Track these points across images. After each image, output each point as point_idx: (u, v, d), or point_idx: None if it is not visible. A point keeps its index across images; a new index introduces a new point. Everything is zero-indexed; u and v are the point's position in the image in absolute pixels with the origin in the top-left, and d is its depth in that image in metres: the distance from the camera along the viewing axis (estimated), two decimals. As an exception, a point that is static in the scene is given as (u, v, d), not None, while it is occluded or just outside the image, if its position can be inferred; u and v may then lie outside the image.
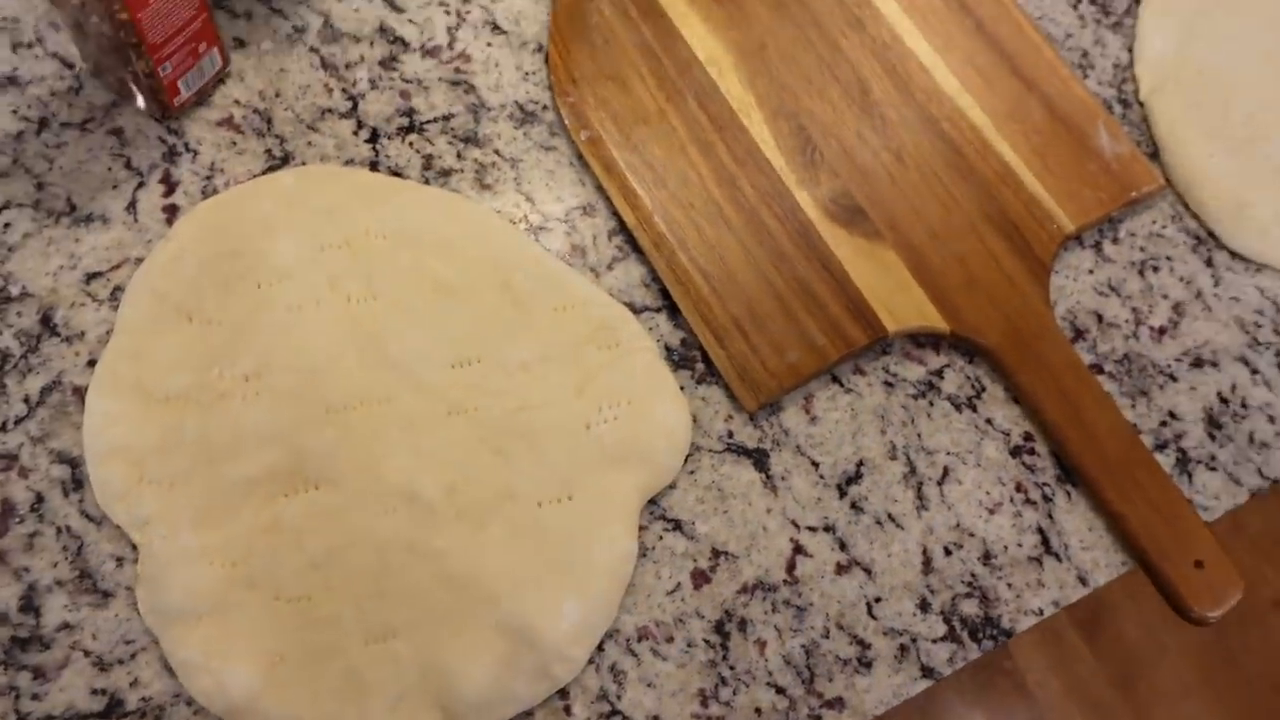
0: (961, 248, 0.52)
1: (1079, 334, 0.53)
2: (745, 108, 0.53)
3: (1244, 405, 0.53)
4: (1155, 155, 0.59)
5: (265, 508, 0.39)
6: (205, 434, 0.40)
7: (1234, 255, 0.57)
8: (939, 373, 0.51)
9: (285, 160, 0.48)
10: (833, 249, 0.51)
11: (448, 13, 0.54)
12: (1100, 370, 0.53)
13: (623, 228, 0.50)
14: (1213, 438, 0.52)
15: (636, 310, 0.49)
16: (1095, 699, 1.27)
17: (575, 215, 0.50)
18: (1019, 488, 0.49)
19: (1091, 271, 0.55)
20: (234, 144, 0.48)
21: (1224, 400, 0.53)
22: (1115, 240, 0.56)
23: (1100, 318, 0.54)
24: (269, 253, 0.44)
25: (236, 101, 0.49)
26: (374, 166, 0.49)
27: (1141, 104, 0.61)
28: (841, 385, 0.49)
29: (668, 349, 0.48)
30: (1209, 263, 0.57)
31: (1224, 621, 1.34)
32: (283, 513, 0.39)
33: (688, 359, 0.48)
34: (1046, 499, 0.49)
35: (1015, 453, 0.50)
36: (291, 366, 0.42)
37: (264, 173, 0.47)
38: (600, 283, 0.49)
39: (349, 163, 0.49)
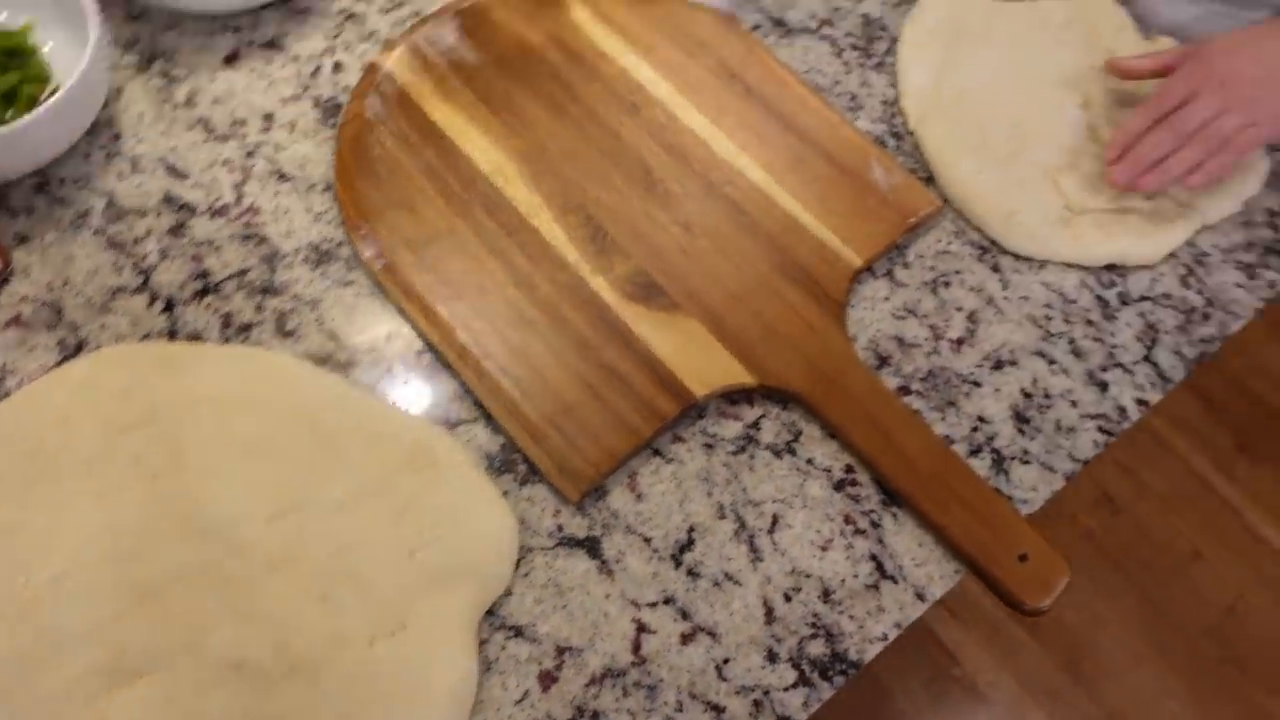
0: (758, 302, 0.55)
1: (883, 360, 0.56)
2: (533, 209, 0.56)
3: (1046, 396, 0.57)
4: (931, 179, 0.63)
5: (90, 709, 0.39)
6: (17, 650, 0.40)
7: (1016, 257, 0.61)
8: (755, 424, 0.53)
9: (79, 348, 0.49)
10: (633, 328, 0.53)
11: (232, 170, 0.56)
12: (908, 391, 0.55)
13: (430, 346, 0.52)
14: (1022, 432, 0.55)
15: (453, 425, 0.50)
16: (1048, 687, 1.29)
17: (381, 343, 0.52)
18: (847, 520, 0.51)
19: (887, 299, 0.58)
20: (23, 342, 0.48)
21: (1028, 395, 0.56)
22: (905, 265, 0.60)
23: (901, 341, 0.57)
24: (68, 446, 0.44)
25: (23, 298, 0.50)
26: (172, 335, 0.50)
27: (911, 133, 0.65)
28: (663, 457, 0.51)
29: (488, 457, 0.50)
30: (995, 269, 0.61)
31: (1150, 582, 1.39)
32: (109, 710, 0.39)
33: (509, 463, 0.50)
34: (875, 525, 0.51)
35: (839, 487, 0.52)
36: (104, 558, 0.42)
37: (57, 365, 0.48)
38: (413, 405, 0.50)
39: (145, 337, 0.50)
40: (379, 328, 0.52)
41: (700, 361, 0.53)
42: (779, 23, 0.69)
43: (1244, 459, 1.53)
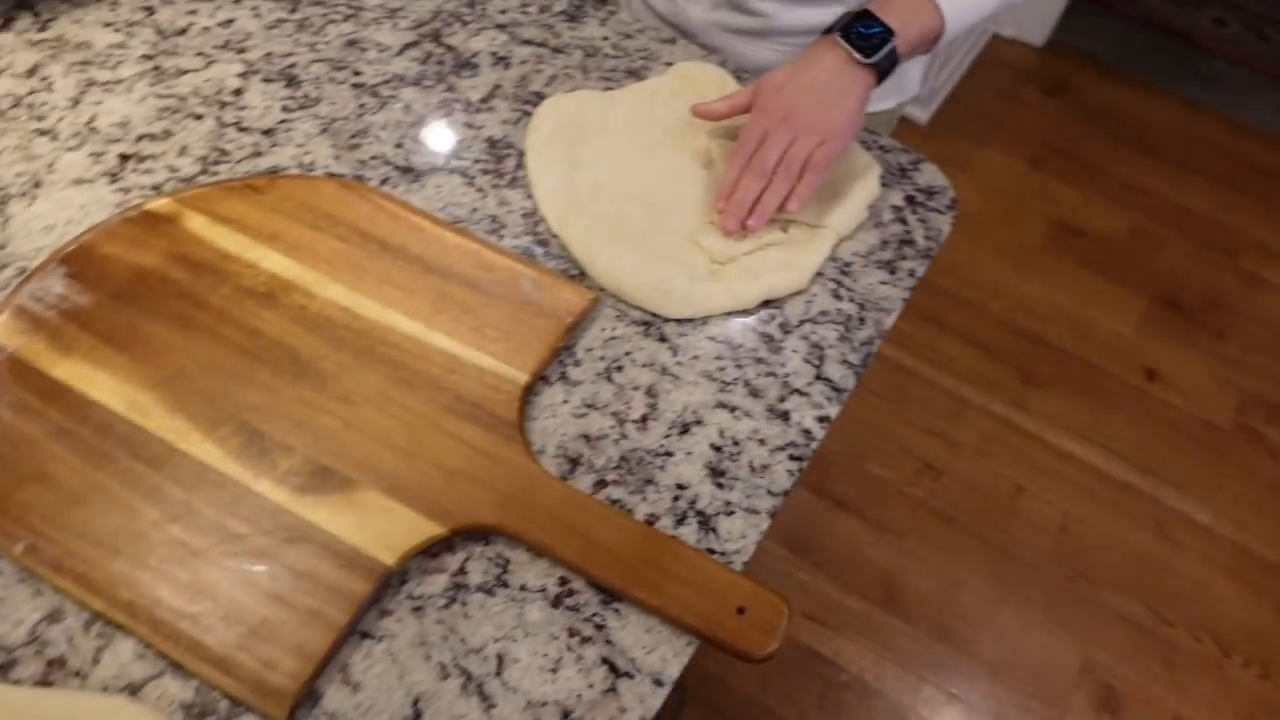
0: (433, 450, 0.55)
1: (574, 462, 0.58)
2: (180, 435, 0.54)
3: (735, 443, 0.59)
4: (584, 273, 0.66)
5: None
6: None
7: (679, 323, 0.65)
8: (461, 569, 0.53)
9: None
10: (311, 519, 0.52)
11: None
12: (604, 483, 0.57)
13: (97, 614, 0.49)
14: (720, 486, 0.57)
15: (139, 686, 0.47)
16: (930, 660, 1.33)
17: (44, 628, 0.49)
18: (571, 633, 0.51)
19: (565, 401, 0.60)
20: None
21: (718, 449, 0.59)
22: (577, 363, 0.62)
23: (588, 437, 0.59)
24: None
25: None
26: None
27: (556, 236, 0.68)
28: (372, 637, 0.50)
29: (185, 708, 0.47)
30: (662, 338, 0.64)
31: (987, 529, 1.47)
32: None
33: (209, 705, 0.47)
34: (599, 627, 0.51)
35: (556, 603, 0.52)
36: None
37: None
38: (89, 683, 0.47)
39: None
40: (36, 612, 0.49)
41: (387, 529, 0.52)
42: (406, 169, 0.71)
43: (1031, 389, 1.66)
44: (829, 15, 0.76)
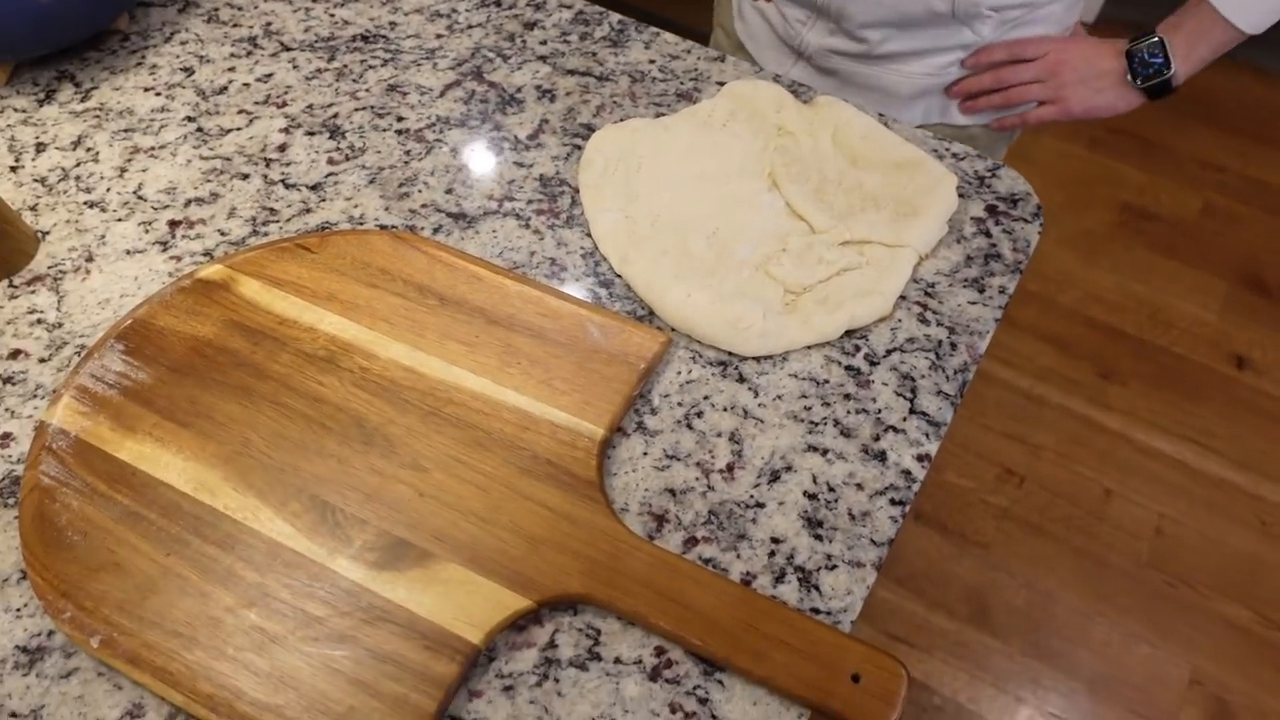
0: (512, 515, 0.52)
1: (660, 519, 0.54)
2: (250, 512, 0.52)
3: (830, 489, 0.55)
4: (652, 314, 0.63)
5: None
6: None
7: (758, 360, 0.61)
8: (551, 643, 0.50)
9: None
10: (390, 598, 0.49)
11: (-87, 599, 0.51)
12: (695, 540, 0.53)
13: (177, 709, 0.47)
14: (819, 538, 0.53)
15: (223, 790, 0.45)
16: (1026, 679, 1.27)
17: (123, 728, 0.47)
18: (673, 708, 0.48)
19: (645, 453, 0.57)
20: None
21: (812, 496, 0.55)
22: (654, 411, 0.58)
23: (673, 492, 0.55)
24: None
25: None
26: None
27: (620, 276, 0.65)
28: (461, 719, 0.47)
29: (270, 811, 0.45)
30: (741, 379, 0.60)
31: (1076, 536, 1.39)
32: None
33: (294, 808, 0.45)
34: (702, 701, 0.48)
35: (654, 675, 0.49)
36: None
37: None
38: (172, 787, 0.45)
39: None
40: (115, 709, 0.47)
41: (469, 604, 0.49)
42: (458, 215, 0.68)
43: (1112, 385, 1.58)
44: (926, 42, 0.84)
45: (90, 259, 0.65)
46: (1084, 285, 1.70)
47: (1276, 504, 1.42)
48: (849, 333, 0.62)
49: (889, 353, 0.61)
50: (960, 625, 1.31)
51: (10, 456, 0.55)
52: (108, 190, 0.70)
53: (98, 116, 0.76)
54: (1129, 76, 0.80)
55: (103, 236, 0.67)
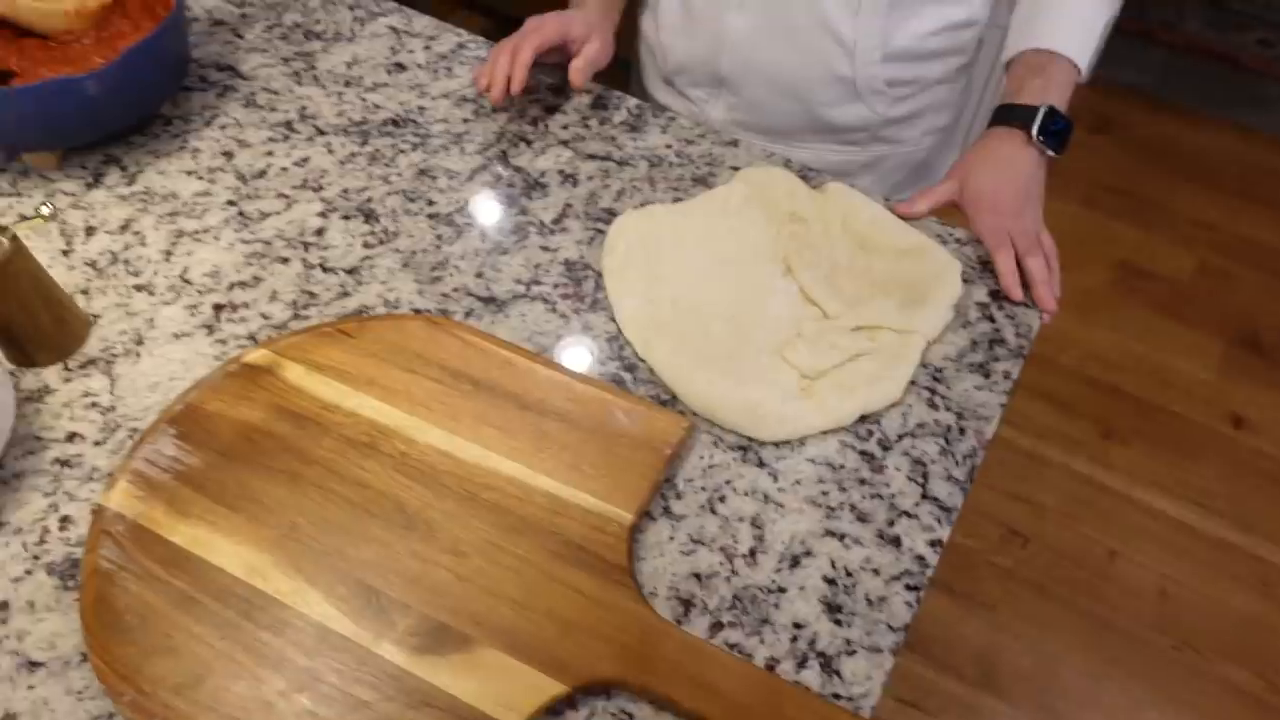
0: (546, 600, 0.55)
1: (687, 604, 0.56)
2: (299, 596, 0.54)
3: (849, 574, 0.58)
4: (675, 398, 0.66)
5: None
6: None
7: (776, 445, 0.64)
8: (586, 728, 0.52)
9: None
10: (433, 682, 0.52)
11: (-25, 679, 0.53)
12: (720, 625, 0.56)
13: (229, 793, 0.49)
14: (839, 623, 0.56)
15: None
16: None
17: (176, 811, 0.49)
18: (703, 793, 0.50)
19: (671, 538, 0.59)
20: None
21: (831, 581, 0.58)
22: (679, 495, 0.61)
23: (699, 576, 0.58)
24: None
25: None
26: None
27: (644, 360, 0.68)
28: (502, 808, 0.49)
29: None
30: (760, 464, 0.63)
31: (1081, 598, 1.41)
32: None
33: None
34: (731, 786, 0.50)
35: (685, 760, 0.51)
36: None
37: None
38: None
39: None
40: (170, 794, 0.49)
41: (508, 689, 0.51)
42: (488, 300, 0.72)
43: (1113, 444, 1.60)
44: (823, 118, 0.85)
45: (140, 342, 0.69)
46: (1083, 344, 1.74)
47: (1277, 565, 1.44)
48: (862, 417, 0.65)
49: (900, 437, 0.64)
50: (969, 689, 1.32)
51: (69, 539, 0.58)
52: (155, 274, 0.73)
53: (144, 200, 0.79)
54: (1049, 153, 0.75)
55: (151, 320, 0.70)
